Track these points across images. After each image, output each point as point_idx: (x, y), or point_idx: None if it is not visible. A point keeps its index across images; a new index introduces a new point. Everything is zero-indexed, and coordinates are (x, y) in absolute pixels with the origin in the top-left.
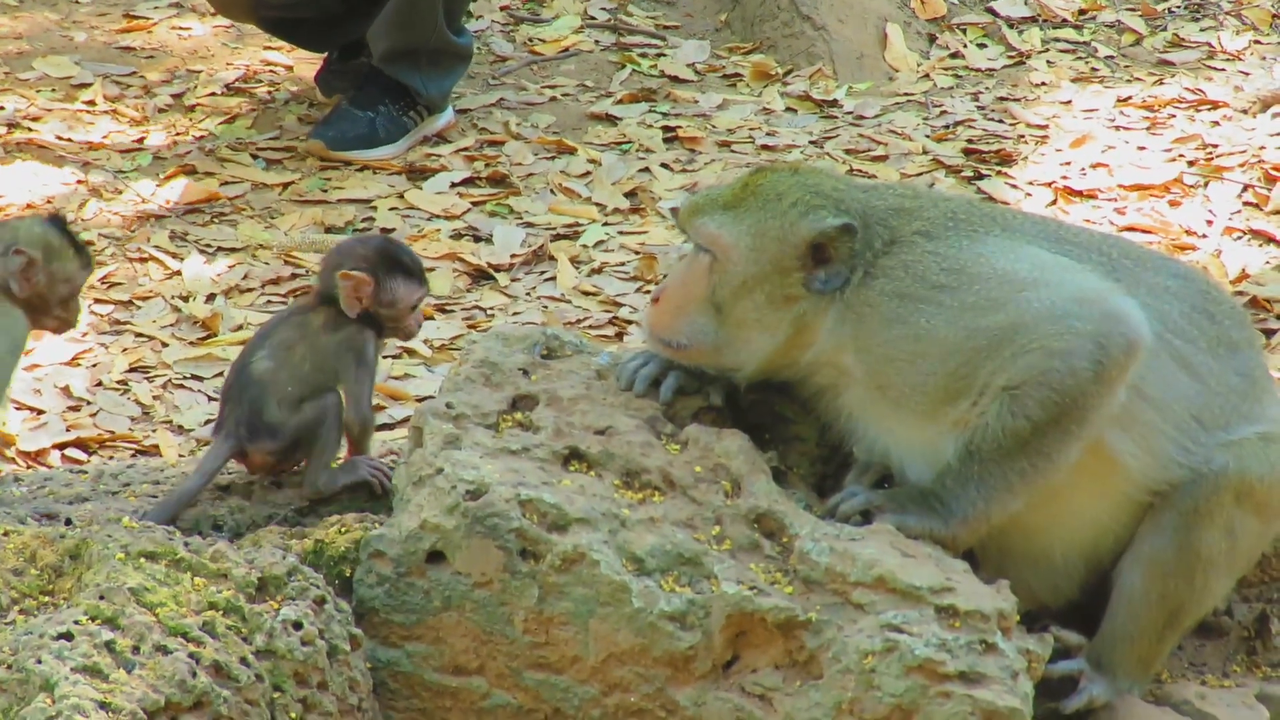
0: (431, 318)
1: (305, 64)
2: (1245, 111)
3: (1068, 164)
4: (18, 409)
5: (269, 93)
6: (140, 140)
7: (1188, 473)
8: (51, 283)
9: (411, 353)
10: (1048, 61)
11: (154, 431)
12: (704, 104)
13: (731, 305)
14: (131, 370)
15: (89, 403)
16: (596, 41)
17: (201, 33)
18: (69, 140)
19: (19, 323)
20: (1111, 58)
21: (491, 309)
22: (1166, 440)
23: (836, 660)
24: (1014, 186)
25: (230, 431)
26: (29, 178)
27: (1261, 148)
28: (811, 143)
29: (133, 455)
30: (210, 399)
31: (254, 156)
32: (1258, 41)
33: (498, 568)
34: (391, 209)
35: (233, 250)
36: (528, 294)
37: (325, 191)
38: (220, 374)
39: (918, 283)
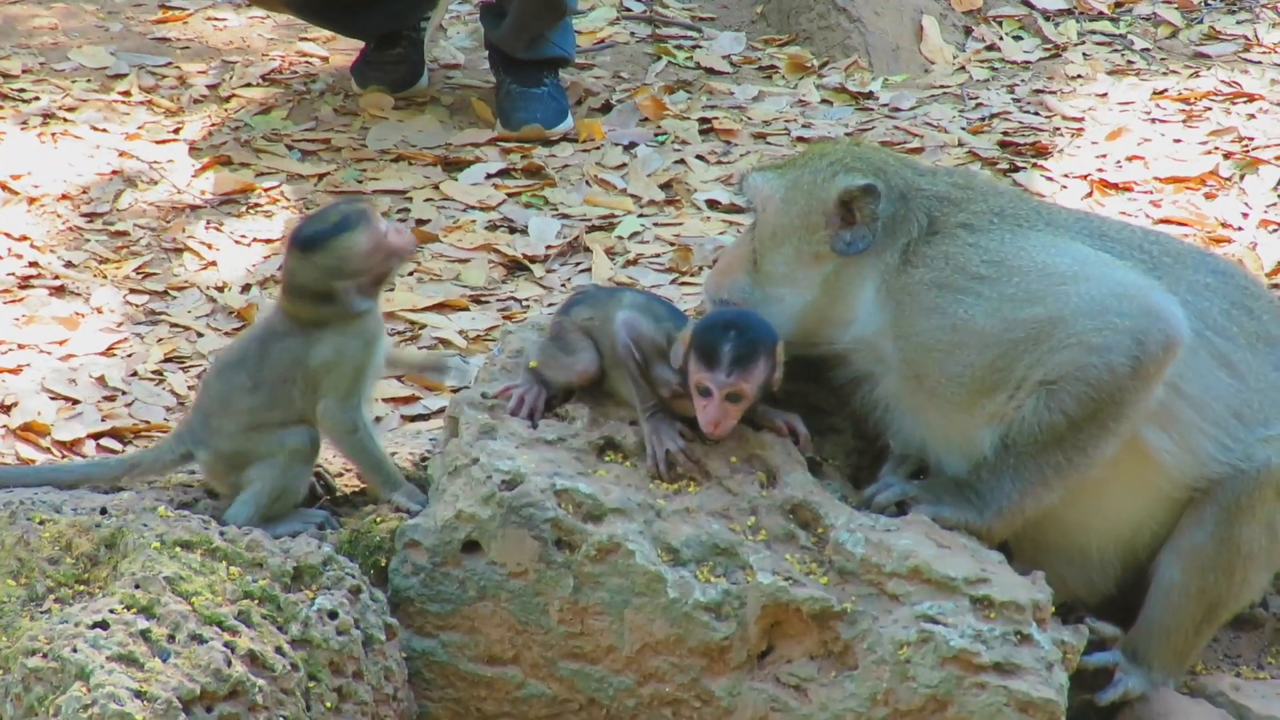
0: (467, 309)
1: (341, 54)
2: None
3: (1103, 156)
4: (53, 399)
5: (304, 84)
6: (176, 131)
7: (1228, 469)
8: (365, 271)
9: (446, 343)
10: (1084, 54)
11: None
12: (739, 96)
13: (764, 258)
14: (167, 360)
15: (124, 393)
16: (632, 33)
17: (237, 24)
18: (104, 131)
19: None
20: (1147, 50)
21: (527, 300)
22: (1204, 437)
23: (871, 651)
24: (1049, 179)
25: None
26: (64, 168)
27: None
28: (847, 134)
29: None
30: None
31: (289, 147)
32: None
33: (533, 558)
34: (427, 200)
35: (268, 241)
36: (563, 285)
37: (360, 183)
38: None
39: (958, 274)
